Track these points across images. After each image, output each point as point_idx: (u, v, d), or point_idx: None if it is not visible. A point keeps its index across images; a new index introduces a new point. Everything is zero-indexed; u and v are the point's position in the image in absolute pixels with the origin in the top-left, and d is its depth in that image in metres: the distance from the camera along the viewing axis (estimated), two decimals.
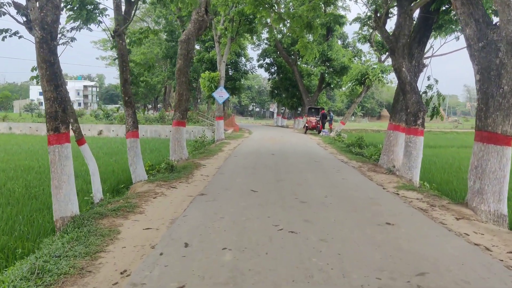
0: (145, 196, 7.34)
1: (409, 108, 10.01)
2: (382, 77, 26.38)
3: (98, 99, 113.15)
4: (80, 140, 7.34)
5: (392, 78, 26.33)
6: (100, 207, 6.44)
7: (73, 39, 8.17)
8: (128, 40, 10.52)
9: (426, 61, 12.13)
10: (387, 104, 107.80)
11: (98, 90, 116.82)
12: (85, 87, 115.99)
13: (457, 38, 11.84)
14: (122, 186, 10.32)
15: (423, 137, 9.96)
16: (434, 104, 11.39)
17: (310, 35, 22.10)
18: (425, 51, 12.06)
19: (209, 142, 22.21)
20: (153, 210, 6.34)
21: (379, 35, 28.56)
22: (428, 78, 11.46)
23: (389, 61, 27.00)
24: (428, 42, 11.97)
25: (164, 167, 10.77)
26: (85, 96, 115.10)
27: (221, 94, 21.23)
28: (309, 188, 8.23)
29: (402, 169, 10.06)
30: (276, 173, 10.24)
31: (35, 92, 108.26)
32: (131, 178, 9.92)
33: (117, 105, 70.39)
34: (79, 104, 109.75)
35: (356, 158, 13.67)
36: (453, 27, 11.45)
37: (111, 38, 10.01)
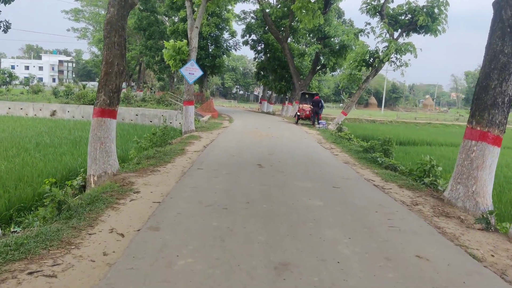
0: None
1: None
2: (396, 58, 21.40)
3: (74, 75, 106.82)
4: None
5: (407, 60, 21.26)
6: None
7: None
8: None
9: None
10: (375, 91, 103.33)
11: (74, 66, 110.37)
12: (61, 62, 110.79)
13: None
14: None
15: None
16: None
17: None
18: None
19: (175, 134, 16.95)
20: None
21: (391, 7, 23.36)
22: None
23: (405, 39, 21.84)
24: None
25: (49, 203, 5.49)
26: (61, 72, 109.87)
27: (191, 71, 15.77)
28: None
29: None
30: (271, 229, 5.04)
31: (7, 66, 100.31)
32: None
33: (88, 82, 63.76)
34: (54, 80, 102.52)
35: (393, 178, 8.59)
36: None
37: None
